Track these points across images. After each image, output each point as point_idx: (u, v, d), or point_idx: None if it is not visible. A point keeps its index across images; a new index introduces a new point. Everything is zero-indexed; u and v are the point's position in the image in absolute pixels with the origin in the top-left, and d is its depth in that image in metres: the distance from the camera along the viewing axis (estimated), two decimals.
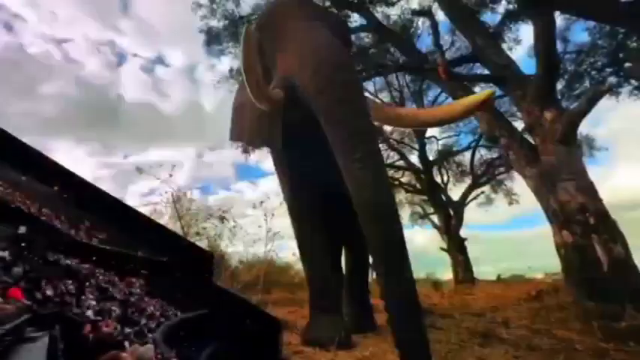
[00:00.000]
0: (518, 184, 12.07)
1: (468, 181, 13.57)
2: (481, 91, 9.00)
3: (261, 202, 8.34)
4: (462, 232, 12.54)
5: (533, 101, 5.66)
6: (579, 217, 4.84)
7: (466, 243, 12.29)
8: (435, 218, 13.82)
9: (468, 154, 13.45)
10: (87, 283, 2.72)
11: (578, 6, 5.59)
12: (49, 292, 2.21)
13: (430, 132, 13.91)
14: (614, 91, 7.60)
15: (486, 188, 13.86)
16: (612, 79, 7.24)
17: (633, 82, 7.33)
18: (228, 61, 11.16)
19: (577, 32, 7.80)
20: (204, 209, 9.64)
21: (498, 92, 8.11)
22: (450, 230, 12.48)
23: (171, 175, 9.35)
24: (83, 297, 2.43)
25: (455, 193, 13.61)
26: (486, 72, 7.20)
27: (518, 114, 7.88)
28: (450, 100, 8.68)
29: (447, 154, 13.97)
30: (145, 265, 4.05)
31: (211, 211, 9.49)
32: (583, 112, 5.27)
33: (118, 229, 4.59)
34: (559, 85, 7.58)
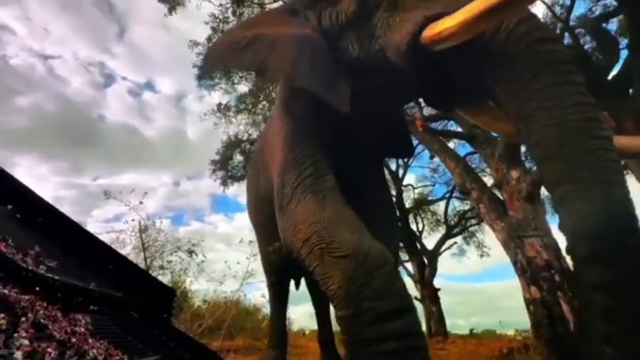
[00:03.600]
0: (489, 236, 12.49)
1: (442, 230, 13.89)
2: (455, 147, 9.56)
3: (240, 241, 7.99)
4: (436, 282, 12.50)
5: (500, 160, 6.11)
6: (545, 274, 5.00)
7: (439, 294, 12.20)
8: (409, 266, 13.79)
9: (442, 204, 13.96)
10: (23, 318, 2.39)
11: None
12: None
13: (407, 180, 14.46)
14: None
15: (459, 239, 14.20)
16: None
17: None
18: (218, 96, 11.40)
19: None
20: (172, 241, 9.11)
21: (470, 149, 8.68)
22: (424, 279, 12.42)
23: (141, 202, 8.91)
24: (15, 334, 2.12)
25: (429, 241, 13.81)
26: (459, 129, 7.80)
27: (488, 170, 8.44)
28: (426, 151, 9.12)
29: (422, 203, 14.41)
30: (97, 300, 3.66)
31: (180, 243, 8.97)
32: None
33: (73, 257, 4.19)
34: (523, 147, 8.28)
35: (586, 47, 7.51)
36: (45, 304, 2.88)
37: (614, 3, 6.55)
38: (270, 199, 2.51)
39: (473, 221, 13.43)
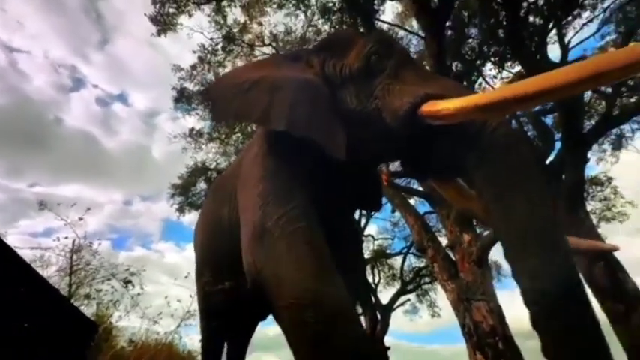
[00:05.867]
0: (441, 296, 12.70)
1: (397, 285, 13.91)
2: (416, 204, 10.05)
3: (186, 276, 7.33)
4: (387, 340, 12.15)
5: (455, 222, 6.51)
6: (490, 340, 5.10)
7: (389, 352, 11.79)
8: (361, 320, 13.39)
9: (399, 259, 14.17)
10: None
11: None
12: None
13: (368, 230, 14.69)
14: None
15: (412, 296, 14.26)
16: None
17: None
18: (193, 121, 11.27)
19: None
20: (108, 266, 8.07)
21: (429, 208, 9.18)
22: (375, 335, 12.03)
23: (81, 219, 8.00)
24: None
25: (383, 296, 13.69)
26: (421, 189, 8.31)
27: (444, 231, 8.90)
28: (389, 205, 9.51)
29: (381, 255, 14.54)
30: None
31: (117, 270, 7.97)
32: (493, 240, 6.16)
33: None
34: None
35: (529, 134, 8.72)
36: None
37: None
38: (234, 231, 2.32)
39: (427, 279, 13.68)
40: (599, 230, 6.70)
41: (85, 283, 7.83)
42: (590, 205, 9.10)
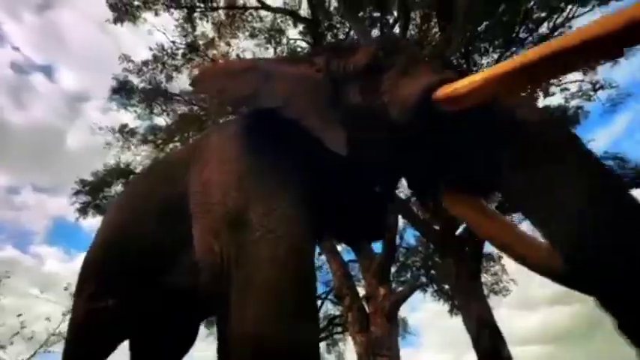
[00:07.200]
0: (350, 348, 12.63)
1: None
2: (342, 251, 10.29)
3: (66, 288, 6.04)
4: None
5: (375, 274, 6.82)
6: None
7: None
8: None
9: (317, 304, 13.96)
10: None
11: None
12: None
13: None
14: (424, 288, 9.99)
15: (322, 345, 13.92)
16: (423, 279, 9.64)
17: (434, 286, 9.92)
18: (128, 118, 10.06)
19: (409, 235, 10.68)
20: None
21: (352, 256, 9.50)
22: None
23: None
24: None
25: None
26: None
27: (363, 281, 9.20)
28: (318, 247, 9.59)
29: None
30: None
31: None
32: (405, 297, 6.57)
33: None
34: (394, 268, 9.52)
35: None
36: None
37: None
38: (169, 217, 1.91)
39: (339, 329, 13.60)
40: (488, 300, 7.68)
41: None
42: (484, 278, 10.53)
